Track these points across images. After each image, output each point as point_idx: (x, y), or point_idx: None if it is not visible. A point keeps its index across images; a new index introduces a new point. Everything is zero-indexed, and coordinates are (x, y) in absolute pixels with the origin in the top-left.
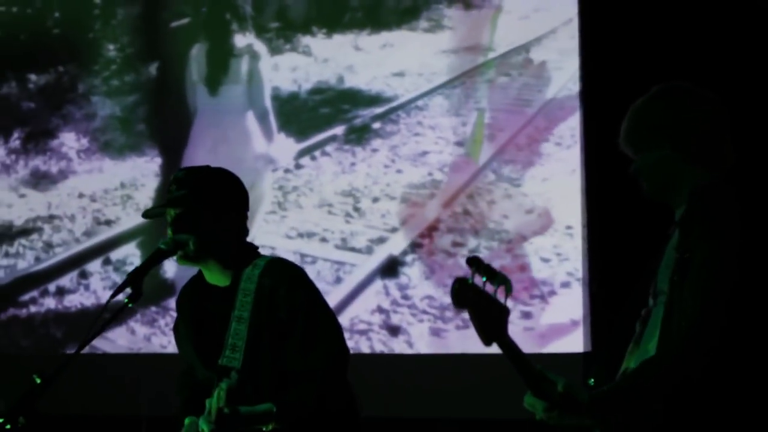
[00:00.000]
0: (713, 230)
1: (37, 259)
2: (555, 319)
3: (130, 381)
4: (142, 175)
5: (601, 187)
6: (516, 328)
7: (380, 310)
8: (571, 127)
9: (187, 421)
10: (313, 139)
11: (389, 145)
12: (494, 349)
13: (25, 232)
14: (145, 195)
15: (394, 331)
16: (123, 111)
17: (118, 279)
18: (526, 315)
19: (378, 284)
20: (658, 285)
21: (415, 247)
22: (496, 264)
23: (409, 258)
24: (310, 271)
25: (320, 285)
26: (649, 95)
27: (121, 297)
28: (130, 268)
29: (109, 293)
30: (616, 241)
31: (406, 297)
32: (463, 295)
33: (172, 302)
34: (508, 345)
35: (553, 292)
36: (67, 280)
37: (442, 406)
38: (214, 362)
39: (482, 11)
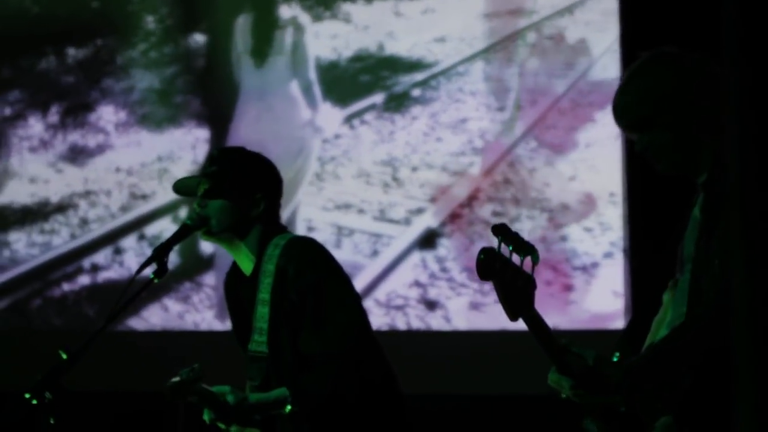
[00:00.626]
0: None
1: (72, 236)
2: (597, 292)
3: (168, 358)
4: (179, 147)
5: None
6: (557, 302)
7: (417, 284)
8: (615, 90)
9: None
10: (353, 108)
11: (429, 113)
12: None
13: (60, 208)
14: (182, 168)
15: (431, 305)
16: (161, 83)
17: None
18: (567, 287)
19: (416, 257)
20: (684, 252)
21: (454, 217)
22: (536, 234)
23: (447, 229)
24: (347, 245)
25: (357, 258)
26: (641, 67)
27: (148, 272)
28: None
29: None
30: (658, 211)
31: (444, 270)
32: (489, 266)
33: (207, 278)
34: (533, 318)
35: (595, 264)
36: (101, 257)
37: (481, 382)
38: (246, 348)
39: None
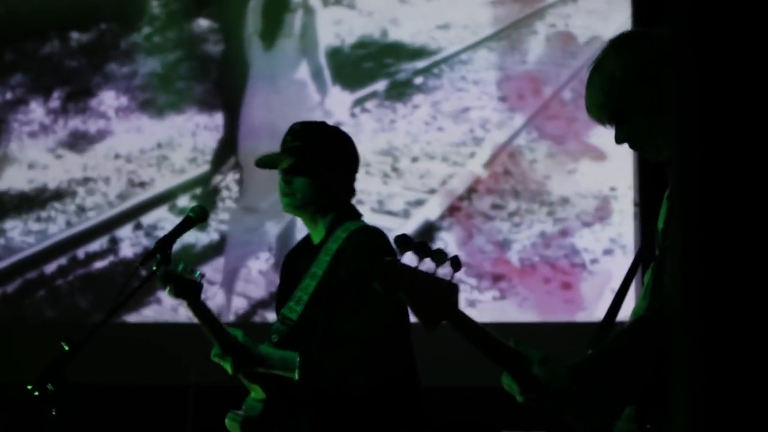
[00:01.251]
0: None
1: (68, 224)
2: (595, 289)
3: (177, 350)
4: (179, 134)
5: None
6: (555, 300)
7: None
8: None
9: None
10: (356, 95)
11: (431, 101)
12: (532, 317)
13: (58, 195)
14: (182, 155)
15: None
16: (164, 68)
17: (149, 244)
18: (566, 285)
19: None
20: (659, 239)
21: (453, 210)
22: (536, 228)
23: (446, 222)
24: None
25: None
26: (601, 59)
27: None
28: (161, 233)
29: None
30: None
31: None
32: (392, 279)
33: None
34: (462, 323)
35: (595, 260)
36: (96, 246)
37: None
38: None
39: None
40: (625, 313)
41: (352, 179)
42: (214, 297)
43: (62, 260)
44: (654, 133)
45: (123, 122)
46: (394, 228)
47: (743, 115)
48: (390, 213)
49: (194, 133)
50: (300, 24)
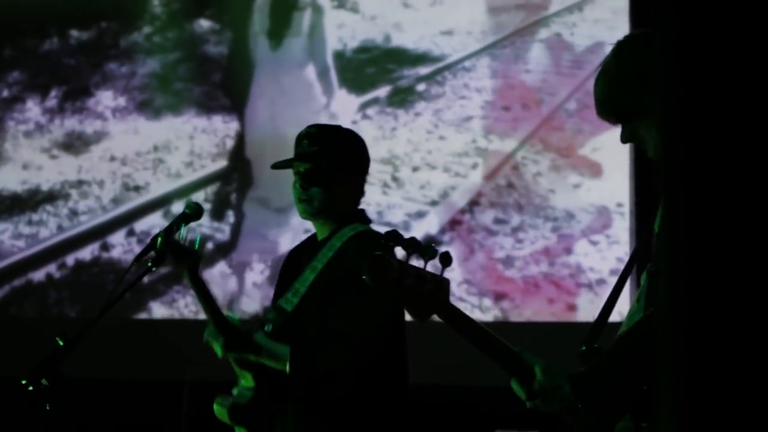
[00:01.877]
0: None
1: (60, 228)
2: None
3: (173, 346)
4: (176, 137)
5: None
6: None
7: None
8: None
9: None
10: (360, 99)
11: (433, 109)
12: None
13: (51, 197)
14: (178, 159)
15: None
16: (163, 69)
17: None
18: (571, 307)
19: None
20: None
21: (454, 224)
22: (539, 243)
23: (447, 237)
24: None
25: None
26: (610, 58)
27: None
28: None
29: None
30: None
31: None
32: (381, 274)
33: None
34: (452, 315)
35: (602, 281)
36: (87, 253)
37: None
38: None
39: None
40: (622, 308)
41: (364, 181)
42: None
43: (51, 267)
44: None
45: (120, 123)
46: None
47: (728, 116)
48: (389, 225)
49: (192, 136)
50: (308, 23)
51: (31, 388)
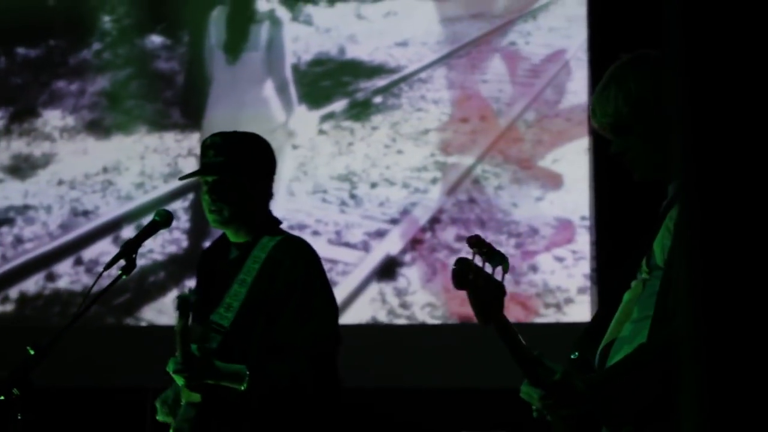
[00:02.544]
0: None
1: (3, 258)
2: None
3: (136, 353)
4: (127, 157)
5: (611, 172)
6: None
7: (374, 324)
8: (583, 100)
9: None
10: (317, 114)
11: (390, 122)
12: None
13: None
14: (128, 180)
15: None
16: (114, 86)
17: (88, 282)
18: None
19: (373, 289)
20: (653, 260)
21: (415, 243)
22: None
23: (408, 257)
24: None
25: None
26: (621, 70)
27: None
28: (101, 270)
29: (75, 303)
30: (628, 236)
31: (404, 305)
32: (463, 276)
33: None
34: (504, 326)
35: (569, 300)
36: (31, 284)
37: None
38: (207, 317)
39: None
40: None
41: (272, 183)
42: None
43: None
44: (654, 152)
45: (68, 144)
46: (353, 263)
47: (744, 130)
48: (348, 245)
49: (143, 156)
50: (266, 36)
51: (2, 398)
